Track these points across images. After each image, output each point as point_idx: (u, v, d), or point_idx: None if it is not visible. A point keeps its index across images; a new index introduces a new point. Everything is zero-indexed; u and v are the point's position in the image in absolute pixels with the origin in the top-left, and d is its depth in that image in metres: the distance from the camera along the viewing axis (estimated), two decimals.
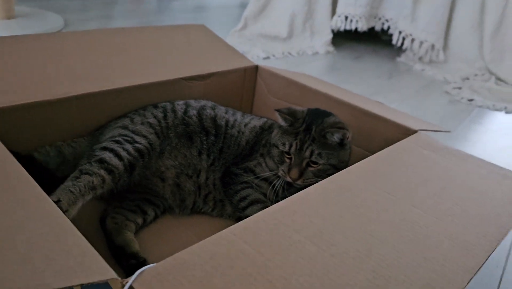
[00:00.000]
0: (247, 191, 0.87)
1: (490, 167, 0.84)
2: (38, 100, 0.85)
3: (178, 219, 0.91)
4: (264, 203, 0.85)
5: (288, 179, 0.84)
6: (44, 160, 0.85)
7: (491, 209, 0.70)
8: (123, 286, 0.47)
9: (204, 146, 0.93)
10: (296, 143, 0.84)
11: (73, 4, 2.81)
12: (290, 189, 0.87)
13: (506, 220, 0.67)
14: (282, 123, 0.88)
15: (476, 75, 2.33)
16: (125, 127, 0.90)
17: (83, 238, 0.52)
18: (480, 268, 0.57)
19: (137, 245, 0.77)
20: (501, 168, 0.84)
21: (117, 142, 0.83)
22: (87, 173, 0.75)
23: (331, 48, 2.61)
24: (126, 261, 0.73)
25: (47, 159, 0.86)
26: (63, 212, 0.63)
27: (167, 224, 0.89)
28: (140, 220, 0.84)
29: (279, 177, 0.87)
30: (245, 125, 0.99)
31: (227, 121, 0.97)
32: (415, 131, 0.96)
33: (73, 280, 0.44)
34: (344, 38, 2.77)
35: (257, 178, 0.88)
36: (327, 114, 0.91)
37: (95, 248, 0.51)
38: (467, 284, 0.54)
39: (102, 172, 0.76)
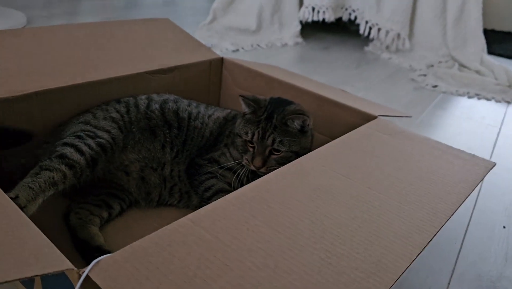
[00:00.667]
0: (212, 181, 0.88)
1: (444, 148, 0.88)
2: None
3: (145, 212, 0.92)
4: (229, 192, 0.86)
5: (252, 167, 0.86)
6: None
7: (442, 187, 0.73)
8: (80, 276, 0.48)
9: (167, 139, 0.93)
10: (259, 132, 0.85)
11: (36, 0, 2.74)
12: (255, 178, 0.88)
13: (455, 197, 0.70)
14: (245, 109, 0.90)
15: (440, 62, 2.39)
16: (87, 122, 0.90)
17: (39, 231, 0.52)
18: (428, 242, 0.59)
19: (101, 239, 0.78)
20: (454, 149, 0.87)
21: (79, 137, 0.83)
22: (47, 169, 0.74)
23: (299, 40, 2.63)
24: (90, 255, 0.73)
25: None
26: (21, 208, 0.63)
27: (133, 217, 0.90)
28: (105, 214, 0.85)
29: (243, 166, 0.89)
30: (209, 116, 1.00)
31: (189, 114, 0.98)
32: (375, 117, 0.99)
33: (28, 272, 0.45)
34: (312, 29, 2.80)
35: (222, 168, 0.89)
36: (288, 102, 0.92)
37: (61, 244, 0.52)
38: (415, 258, 0.56)
39: (63, 167, 0.76)
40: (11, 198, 0.61)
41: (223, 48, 2.26)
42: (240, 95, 0.90)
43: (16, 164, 0.84)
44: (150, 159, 0.91)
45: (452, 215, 0.66)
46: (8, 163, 0.84)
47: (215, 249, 0.53)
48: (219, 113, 1.01)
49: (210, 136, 0.96)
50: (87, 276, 0.48)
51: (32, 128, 0.91)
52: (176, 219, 0.60)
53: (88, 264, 0.73)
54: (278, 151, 0.86)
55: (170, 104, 0.98)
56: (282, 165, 0.82)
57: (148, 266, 0.50)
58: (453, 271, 0.90)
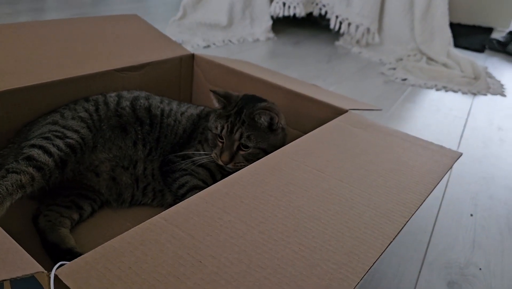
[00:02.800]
0: (186, 178, 0.88)
1: (412, 140, 0.90)
2: None
3: (117, 212, 0.90)
4: (203, 189, 0.86)
5: (220, 162, 0.86)
6: None
7: (411, 178, 0.75)
8: (50, 278, 0.47)
9: (139, 136, 0.92)
10: (227, 126, 0.86)
11: None
12: (229, 174, 0.88)
13: (423, 187, 0.72)
14: (216, 104, 0.90)
15: (409, 56, 2.45)
16: (55, 122, 0.88)
17: (6, 234, 0.51)
18: (399, 232, 0.61)
19: (72, 241, 0.76)
20: (423, 140, 0.90)
21: (47, 138, 0.81)
22: (14, 172, 0.72)
23: (271, 35, 2.64)
24: (61, 258, 0.72)
25: None
26: None
27: (105, 217, 0.88)
28: (75, 216, 0.83)
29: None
30: (182, 114, 0.99)
31: (162, 111, 0.97)
32: (345, 111, 1.01)
33: None
34: (284, 24, 2.81)
35: (195, 164, 0.89)
36: (261, 100, 0.93)
37: (30, 248, 0.50)
38: (386, 247, 0.57)
39: (31, 170, 0.74)
40: None
41: (194, 44, 2.25)
42: (211, 90, 0.90)
43: None
44: (121, 157, 0.90)
45: (421, 205, 0.68)
46: None
47: (189, 247, 0.53)
48: (193, 110, 1.00)
49: (183, 134, 0.95)
50: (58, 279, 0.47)
51: None
52: (149, 218, 0.59)
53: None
54: (246, 146, 0.86)
55: (141, 101, 0.97)
56: (250, 162, 0.82)
57: (120, 266, 0.49)
58: (423, 259, 0.93)
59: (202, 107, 1.04)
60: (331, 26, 2.62)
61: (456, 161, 0.84)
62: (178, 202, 0.85)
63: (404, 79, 2.15)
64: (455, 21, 3.22)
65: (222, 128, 0.86)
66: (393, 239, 0.59)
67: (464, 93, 2.08)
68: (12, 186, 0.70)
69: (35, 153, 0.77)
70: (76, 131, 0.85)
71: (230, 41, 2.43)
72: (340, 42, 2.66)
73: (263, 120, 0.86)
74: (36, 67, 0.99)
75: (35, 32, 1.16)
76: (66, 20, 1.37)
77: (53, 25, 1.25)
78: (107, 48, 1.18)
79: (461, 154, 0.88)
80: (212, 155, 0.87)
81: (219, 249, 0.53)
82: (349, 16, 2.54)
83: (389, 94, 1.95)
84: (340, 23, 2.58)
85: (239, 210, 0.61)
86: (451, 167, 0.83)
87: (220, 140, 0.87)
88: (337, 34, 2.69)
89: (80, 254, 0.73)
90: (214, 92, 0.90)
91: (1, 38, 1.08)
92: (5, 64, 0.97)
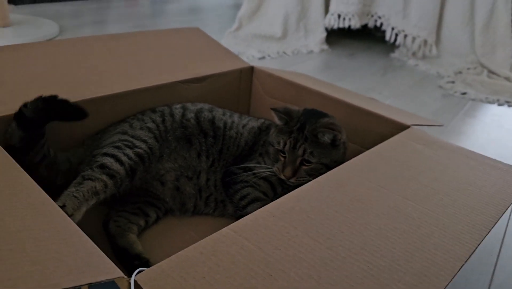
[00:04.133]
0: (247, 190, 0.90)
1: (479, 158, 0.87)
2: None
3: (180, 220, 0.93)
4: (264, 201, 0.87)
5: (282, 177, 0.87)
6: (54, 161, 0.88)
7: (480, 199, 0.72)
8: (130, 284, 0.49)
9: (203, 148, 0.95)
10: (290, 142, 0.86)
11: (66, 9, 2.83)
12: (290, 187, 0.89)
13: (494, 209, 0.70)
14: (278, 121, 0.91)
15: (468, 69, 2.36)
16: (124, 132, 0.92)
17: (89, 240, 0.54)
18: (470, 255, 0.59)
19: (140, 247, 0.80)
20: (490, 159, 0.86)
21: (117, 147, 0.86)
22: (89, 179, 0.77)
23: (325, 47, 2.63)
24: (130, 263, 0.75)
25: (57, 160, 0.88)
26: (69, 216, 0.65)
27: (169, 225, 0.92)
28: (142, 222, 0.87)
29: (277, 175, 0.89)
30: (243, 126, 1.01)
31: (225, 123, 0.99)
32: (407, 127, 0.99)
33: (82, 279, 0.47)
34: (338, 36, 2.80)
35: (257, 176, 0.91)
36: (322, 115, 0.93)
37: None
38: (458, 271, 0.56)
39: (104, 177, 0.78)
40: (60, 206, 0.63)
41: (249, 55, 2.28)
42: (271, 108, 0.91)
43: (57, 170, 0.87)
44: (186, 168, 0.93)
45: (492, 228, 0.65)
46: (49, 170, 0.87)
47: (258, 260, 0.54)
48: (254, 123, 1.02)
49: (245, 146, 0.97)
50: (137, 284, 0.49)
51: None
52: (211, 227, 0.61)
53: (127, 271, 0.75)
54: (308, 162, 0.86)
55: (205, 113, 1.00)
56: (312, 177, 0.82)
57: (194, 275, 0.51)
58: (490, 283, 0.89)
59: (263, 120, 1.06)
60: (387, 38, 2.58)
61: None
62: (239, 213, 0.88)
63: (464, 93, 2.07)
64: None
65: (285, 144, 0.87)
66: (465, 262, 0.58)
67: None
68: (88, 192, 0.75)
69: (108, 161, 0.81)
70: (144, 141, 0.89)
71: (284, 52, 2.45)
72: (395, 54, 2.61)
73: (326, 138, 0.86)
74: (106, 78, 1.05)
75: (104, 45, 1.23)
76: (132, 34, 1.44)
77: (120, 39, 1.32)
78: (171, 60, 1.23)
79: None
80: (274, 169, 0.88)
81: (288, 264, 0.54)
82: (405, 28, 2.49)
83: (448, 109, 1.89)
84: (396, 35, 2.54)
85: (306, 225, 0.61)
86: None
87: (282, 155, 0.88)
88: (392, 46, 2.64)
89: (147, 260, 0.77)
90: (275, 110, 0.91)
91: (74, 51, 1.16)
92: (78, 75, 1.03)
